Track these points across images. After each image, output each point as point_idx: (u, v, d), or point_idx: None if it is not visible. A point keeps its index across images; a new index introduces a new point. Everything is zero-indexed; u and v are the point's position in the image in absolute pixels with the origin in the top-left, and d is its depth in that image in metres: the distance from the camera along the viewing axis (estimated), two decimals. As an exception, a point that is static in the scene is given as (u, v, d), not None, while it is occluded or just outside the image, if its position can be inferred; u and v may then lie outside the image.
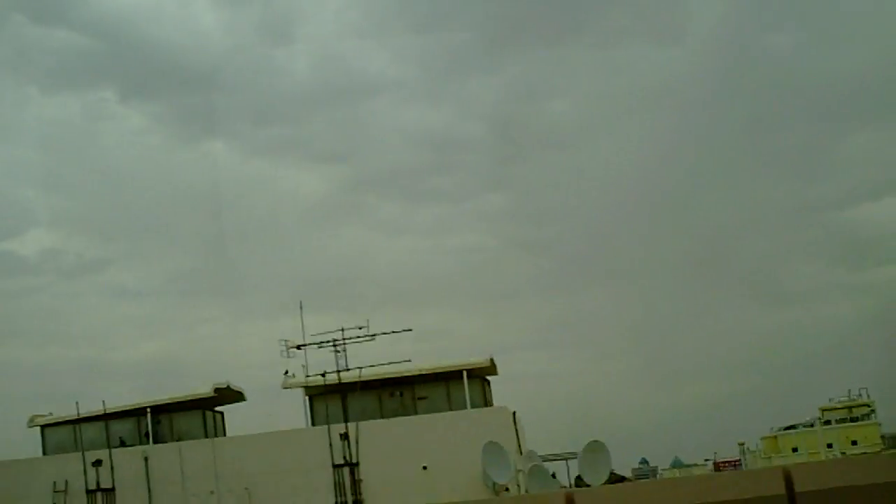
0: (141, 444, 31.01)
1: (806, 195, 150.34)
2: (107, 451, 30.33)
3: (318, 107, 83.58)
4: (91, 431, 31.33)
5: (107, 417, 31.07)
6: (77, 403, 31.31)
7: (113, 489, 29.77)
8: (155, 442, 31.06)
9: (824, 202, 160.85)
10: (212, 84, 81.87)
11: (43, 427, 31.97)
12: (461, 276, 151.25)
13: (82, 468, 29.82)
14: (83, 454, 30.09)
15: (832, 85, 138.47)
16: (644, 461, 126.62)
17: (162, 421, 31.57)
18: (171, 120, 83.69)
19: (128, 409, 31.57)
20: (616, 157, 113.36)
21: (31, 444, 31.99)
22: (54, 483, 29.72)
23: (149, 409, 31.43)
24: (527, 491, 27.50)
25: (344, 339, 31.27)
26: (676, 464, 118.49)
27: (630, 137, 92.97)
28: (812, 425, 75.25)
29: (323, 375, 31.18)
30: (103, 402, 31.21)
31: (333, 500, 29.33)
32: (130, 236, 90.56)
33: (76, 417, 31.28)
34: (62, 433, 31.72)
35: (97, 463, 29.88)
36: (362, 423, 29.89)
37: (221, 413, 33.40)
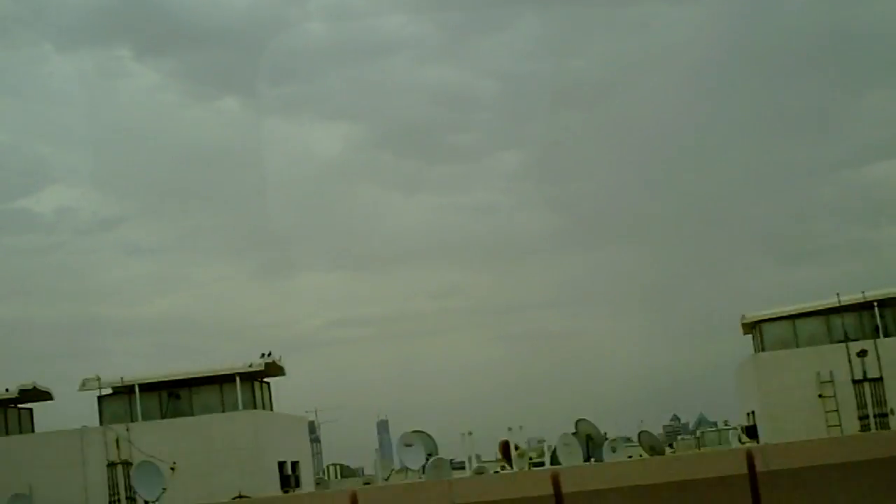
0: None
1: (821, 153, 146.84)
2: None
3: (334, 65, 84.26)
4: None
5: None
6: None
7: None
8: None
9: (840, 160, 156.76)
10: (227, 42, 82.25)
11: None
12: (476, 235, 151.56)
13: None
14: None
15: (847, 42, 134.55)
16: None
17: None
18: (186, 77, 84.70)
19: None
20: (632, 116, 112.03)
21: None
22: None
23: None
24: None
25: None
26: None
27: (646, 96, 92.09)
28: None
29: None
30: None
31: (108, 500, 30.53)
32: (145, 194, 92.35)
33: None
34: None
35: None
36: (139, 424, 31.04)
37: (30, 410, 34.60)
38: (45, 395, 33.92)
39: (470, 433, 30.89)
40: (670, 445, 71.35)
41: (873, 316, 31.95)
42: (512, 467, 29.80)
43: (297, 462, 33.44)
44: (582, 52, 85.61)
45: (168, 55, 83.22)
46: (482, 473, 27.79)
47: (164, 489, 27.68)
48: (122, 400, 32.42)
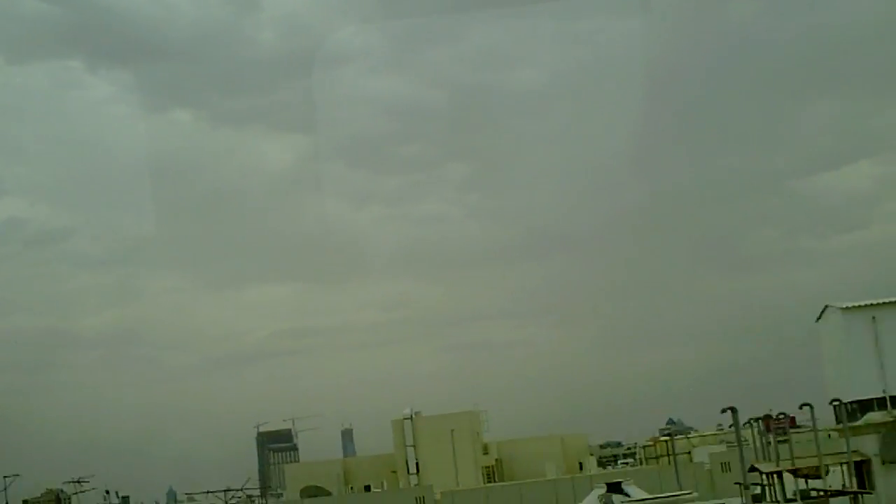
0: None
1: (767, 163, 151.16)
2: None
3: (285, 76, 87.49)
4: None
5: None
6: None
7: None
8: None
9: (785, 171, 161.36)
10: (179, 54, 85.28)
11: None
12: (425, 245, 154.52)
13: None
14: None
15: (793, 54, 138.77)
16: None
17: None
18: (138, 89, 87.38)
19: None
20: (578, 126, 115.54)
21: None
22: None
23: None
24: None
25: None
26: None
27: (591, 106, 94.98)
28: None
29: None
30: None
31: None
32: (95, 205, 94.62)
33: None
34: None
35: None
36: None
37: None
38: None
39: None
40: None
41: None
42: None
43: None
44: (529, 64, 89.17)
45: (121, 67, 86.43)
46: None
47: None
48: None
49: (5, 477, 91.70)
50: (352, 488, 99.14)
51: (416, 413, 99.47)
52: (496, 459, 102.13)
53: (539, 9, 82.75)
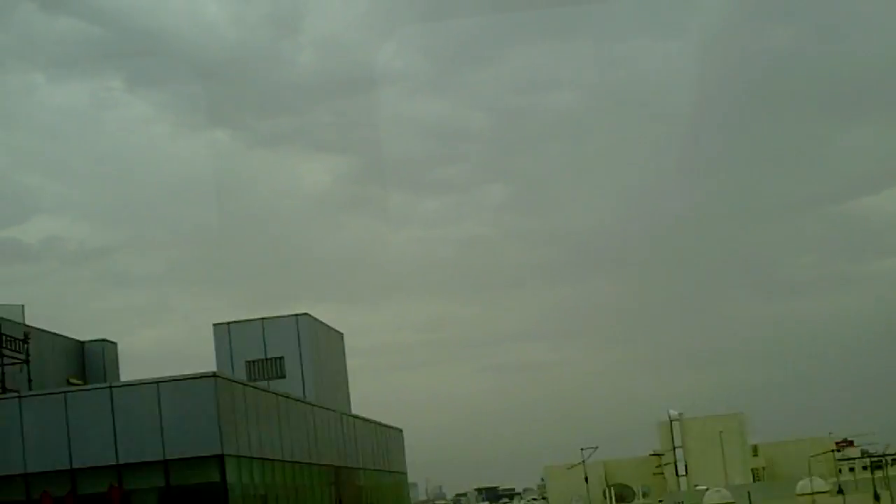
0: None
1: (805, 188, 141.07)
2: None
3: (324, 97, 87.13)
4: None
5: None
6: None
7: None
8: None
9: (824, 195, 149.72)
10: (218, 74, 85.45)
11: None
12: (463, 267, 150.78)
13: None
14: None
15: (831, 78, 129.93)
16: None
17: None
18: (176, 109, 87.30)
19: None
20: (616, 149, 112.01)
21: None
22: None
23: None
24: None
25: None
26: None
27: (631, 129, 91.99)
28: None
29: None
30: None
31: None
32: (133, 224, 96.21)
33: None
34: None
35: None
36: None
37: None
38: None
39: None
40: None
41: None
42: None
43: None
44: (569, 86, 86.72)
45: (159, 87, 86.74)
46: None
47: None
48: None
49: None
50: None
51: (680, 415, 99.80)
52: (764, 462, 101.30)
53: (579, 32, 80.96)
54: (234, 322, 48.52)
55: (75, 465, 32.08)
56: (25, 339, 38.99)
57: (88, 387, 38.06)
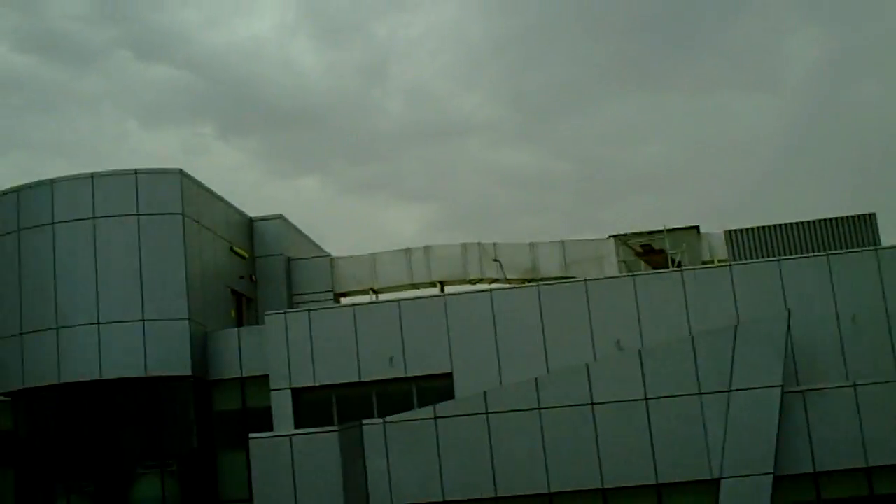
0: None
1: None
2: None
3: (412, 146, 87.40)
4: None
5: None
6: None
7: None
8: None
9: None
10: (308, 121, 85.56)
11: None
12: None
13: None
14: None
15: None
16: None
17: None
18: (266, 156, 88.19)
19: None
20: (705, 202, 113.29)
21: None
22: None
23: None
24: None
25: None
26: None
27: (720, 182, 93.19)
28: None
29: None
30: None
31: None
32: None
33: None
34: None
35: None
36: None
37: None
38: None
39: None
40: None
41: None
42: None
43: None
44: (658, 138, 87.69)
45: (250, 134, 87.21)
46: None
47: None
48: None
49: None
50: None
51: None
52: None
53: (670, 85, 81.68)
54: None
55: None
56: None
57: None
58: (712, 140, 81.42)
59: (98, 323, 29.81)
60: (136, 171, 31.20)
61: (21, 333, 30.46)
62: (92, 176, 30.79)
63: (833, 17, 79.18)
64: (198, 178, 32.55)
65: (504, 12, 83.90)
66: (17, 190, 31.49)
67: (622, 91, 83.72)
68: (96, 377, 29.63)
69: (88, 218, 30.44)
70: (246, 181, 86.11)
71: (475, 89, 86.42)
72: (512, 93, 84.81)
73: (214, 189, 33.83)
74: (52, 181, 30.91)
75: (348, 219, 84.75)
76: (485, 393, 27.68)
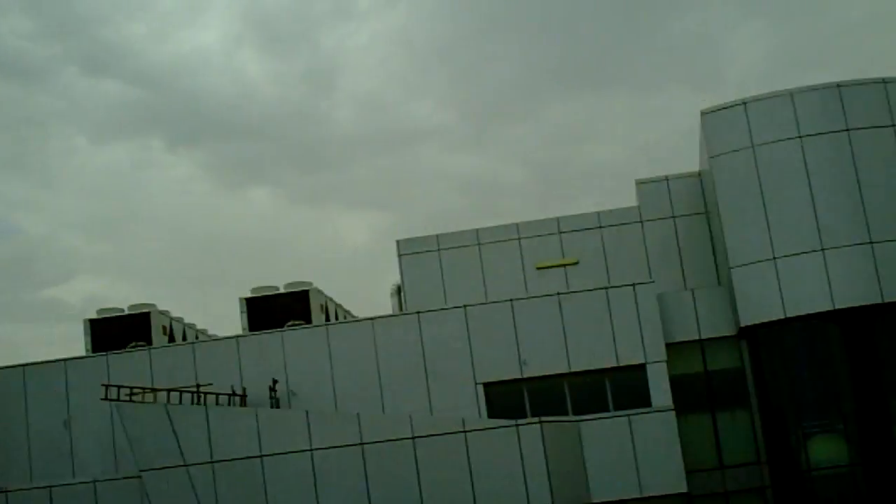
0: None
1: None
2: None
3: (362, 154, 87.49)
4: None
5: None
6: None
7: None
8: None
9: None
10: (257, 132, 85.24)
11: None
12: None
13: None
14: None
15: None
16: None
17: None
18: (217, 167, 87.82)
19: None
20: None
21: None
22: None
23: None
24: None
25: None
26: None
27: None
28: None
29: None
30: None
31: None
32: (175, 283, 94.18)
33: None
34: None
35: None
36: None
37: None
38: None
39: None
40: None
41: None
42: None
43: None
44: (606, 139, 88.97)
45: (199, 146, 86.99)
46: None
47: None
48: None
49: None
50: None
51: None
52: None
53: (613, 83, 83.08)
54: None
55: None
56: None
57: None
58: (658, 139, 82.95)
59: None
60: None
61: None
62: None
63: (776, 11, 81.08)
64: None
65: (450, 17, 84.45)
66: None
67: (568, 92, 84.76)
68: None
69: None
70: (196, 193, 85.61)
71: (424, 96, 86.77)
72: (460, 98, 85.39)
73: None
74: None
75: (300, 229, 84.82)
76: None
